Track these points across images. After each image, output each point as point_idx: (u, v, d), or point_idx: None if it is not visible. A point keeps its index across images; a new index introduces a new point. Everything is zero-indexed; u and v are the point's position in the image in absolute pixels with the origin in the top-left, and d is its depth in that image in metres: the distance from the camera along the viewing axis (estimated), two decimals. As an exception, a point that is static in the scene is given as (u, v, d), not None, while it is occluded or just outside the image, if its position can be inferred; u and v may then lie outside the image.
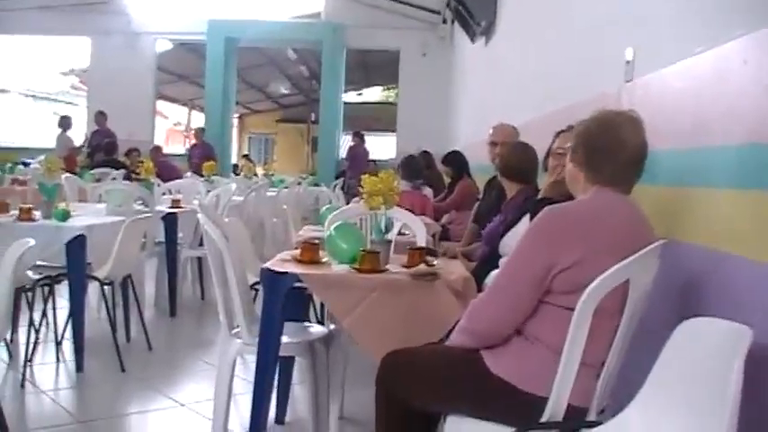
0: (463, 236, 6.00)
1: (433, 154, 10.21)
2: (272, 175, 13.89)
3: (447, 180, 8.43)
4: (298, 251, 3.18)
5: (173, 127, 30.87)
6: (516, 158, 4.26)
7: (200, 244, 6.39)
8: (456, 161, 7.79)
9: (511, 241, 3.51)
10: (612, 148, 2.26)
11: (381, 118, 27.48)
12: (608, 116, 2.35)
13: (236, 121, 25.67)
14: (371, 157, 15.67)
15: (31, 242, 2.86)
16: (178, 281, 6.22)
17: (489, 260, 3.78)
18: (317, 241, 3.21)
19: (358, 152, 15.37)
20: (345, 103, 18.65)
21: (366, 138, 16.26)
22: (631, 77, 3.37)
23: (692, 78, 2.66)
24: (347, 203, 8.90)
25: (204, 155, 13.05)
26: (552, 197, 3.17)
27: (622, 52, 3.46)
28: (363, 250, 3.04)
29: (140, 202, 6.20)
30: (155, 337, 5.16)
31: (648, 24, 3.26)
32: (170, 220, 6.04)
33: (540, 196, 3.42)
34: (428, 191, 7.45)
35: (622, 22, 3.66)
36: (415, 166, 7.19)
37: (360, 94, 31.20)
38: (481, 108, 9.78)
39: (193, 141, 16.49)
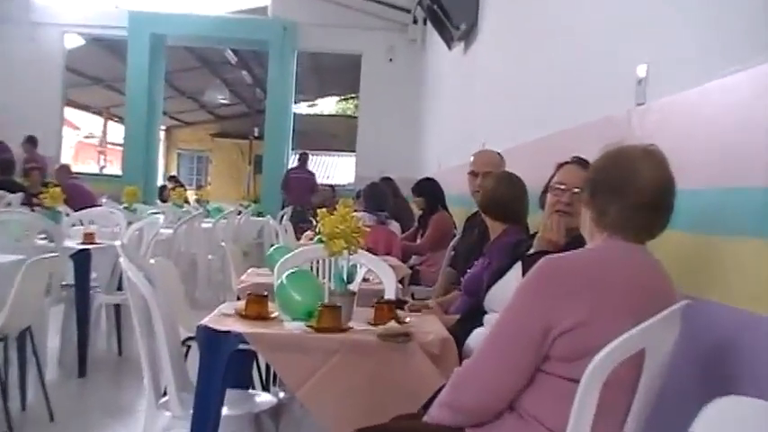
0: (436, 281, 6.08)
1: (396, 181, 10.28)
2: (207, 202, 13.84)
3: (416, 212, 8.48)
4: (241, 304, 3.16)
5: (84, 140, 30.61)
6: (501, 192, 4.32)
7: (119, 287, 6.30)
8: (430, 191, 7.84)
9: (500, 295, 3.51)
10: (619, 186, 2.31)
11: (339, 134, 27.63)
12: (621, 150, 2.38)
13: (162, 135, 25.57)
14: (328, 181, 15.71)
15: None
16: (90, 333, 6.11)
17: (471, 315, 3.79)
18: (265, 293, 3.20)
19: (297, 182, 15.29)
20: (296, 116, 18.69)
21: (320, 159, 16.33)
22: (644, 100, 3.42)
23: (721, 104, 2.68)
24: (298, 237, 8.91)
25: None
26: (548, 250, 3.21)
27: (633, 69, 3.50)
28: (322, 304, 3.03)
29: (44, 235, 6.09)
30: (58, 404, 4.99)
31: (666, 36, 3.30)
32: (81, 259, 5.95)
33: (532, 250, 3.44)
34: (395, 225, 7.48)
35: (634, 32, 3.71)
36: (380, 196, 7.28)
37: (313, 106, 31.33)
38: (460, 128, 9.87)
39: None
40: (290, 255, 4.36)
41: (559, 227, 3.33)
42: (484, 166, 5.19)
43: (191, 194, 16.80)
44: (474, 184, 5.14)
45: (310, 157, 16.73)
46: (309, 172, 15.86)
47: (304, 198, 14.84)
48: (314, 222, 11.79)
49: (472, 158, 5.46)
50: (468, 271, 4.53)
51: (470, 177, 5.30)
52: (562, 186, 3.37)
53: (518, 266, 3.50)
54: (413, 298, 4.97)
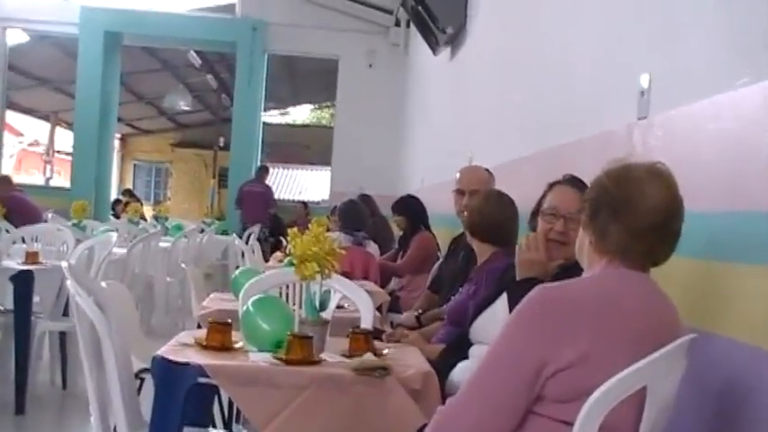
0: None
1: (375, 198, 10.34)
2: (166, 219, 13.76)
3: (397, 232, 8.52)
4: (202, 332, 3.15)
5: (28, 148, 30.47)
6: (489, 212, 4.33)
7: (65, 313, 6.25)
8: (411, 209, 7.89)
9: (487, 325, 3.51)
10: (622, 206, 2.32)
11: (312, 146, 27.63)
12: (626, 167, 2.39)
13: (117, 144, 25.49)
14: (299, 197, 15.72)
15: None
16: (30, 364, 6.03)
17: (456, 347, 3.79)
18: (228, 320, 3.19)
19: (251, 197, 15.25)
20: (265, 125, 18.69)
21: (292, 172, 16.36)
22: (646, 113, 3.44)
23: (731, 118, 2.69)
24: (266, 258, 8.89)
25: None
26: (536, 277, 3.20)
27: (635, 79, 3.51)
28: (292, 334, 3.02)
29: (-21, 254, 6.04)
30: (-8, 445, 4.98)
31: (672, 43, 3.32)
32: (22, 281, 5.88)
33: (518, 276, 3.41)
34: (373, 247, 7.51)
35: (636, 38, 3.72)
36: (357, 215, 7.33)
37: (285, 114, 31.36)
38: (445, 140, 9.93)
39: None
40: (256, 278, 4.33)
41: (548, 253, 3.31)
42: (471, 184, 5.23)
43: (148, 210, 16.83)
44: (460, 204, 5.17)
45: (278, 170, 16.71)
46: (265, 186, 15.90)
47: (259, 214, 14.88)
48: (281, 241, 11.74)
49: (458, 175, 5.49)
50: (453, 298, 4.55)
51: (456, 196, 5.34)
52: (554, 212, 3.36)
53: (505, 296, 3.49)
54: (392, 326, 4.98)
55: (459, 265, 5.25)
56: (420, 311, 5.46)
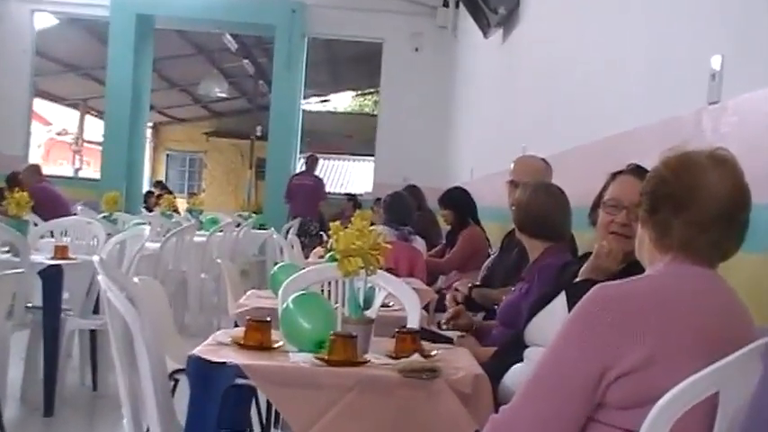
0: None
1: (422, 190, 10.33)
2: (201, 212, 13.79)
3: (445, 227, 8.54)
4: (240, 331, 3.17)
5: (56, 137, 30.81)
6: (538, 205, 4.35)
7: (96, 311, 6.31)
8: (459, 202, 7.88)
9: (543, 326, 3.52)
10: (684, 198, 2.29)
11: (355, 135, 27.66)
12: (685, 155, 2.36)
13: (149, 133, 25.66)
14: (342, 189, 15.74)
15: None
16: (60, 363, 6.09)
17: (509, 350, 3.81)
18: (267, 318, 3.20)
19: (301, 190, 15.29)
20: (305, 113, 18.70)
21: (333, 163, 16.37)
22: (718, 97, 3.41)
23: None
24: (306, 255, 8.97)
25: None
26: (597, 279, 3.19)
27: (707, 60, 3.48)
28: (334, 333, 3.03)
29: (7, 248, 6.09)
30: (21, 448, 5.02)
31: (747, 22, 3.27)
32: (51, 277, 5.93)
33: (580, 277, 3.45)
34: (419, 242, 7.52)
35: (708, 17, 3.68)
36: (403, 208, 7.38)
37: (325, 102, 31.41)
38: (496, 129, 9.92)
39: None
40: (297, 275, 4.32)
41: (616, 253, 3.31)
42: (524, 175, 5.22)
43: (181, 202, 16.82)
44: (513, 196, 5.09)
45: (321, 161, 16.71)
46: (316, 178, 15.87)
47: (309, 208, 14.96)
48: (322, 236, 11.76)
49: (512, 166, 5.48)
50: (505, 297, 4.56)
51: (509, 187, 5.32)
52: (616, 203, 3.36)
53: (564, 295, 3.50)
54: (438, 327, 4.98)
55: (512, 261, 5.27)
56: (475, 284, 5.40)
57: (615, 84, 5.11)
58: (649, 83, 4.39)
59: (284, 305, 3.25)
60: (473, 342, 4.27)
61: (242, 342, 3.12)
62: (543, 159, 5.49)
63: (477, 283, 5.44)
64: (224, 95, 27.79)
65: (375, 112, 19.10)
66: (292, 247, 9.06)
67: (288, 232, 12.30)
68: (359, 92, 31.62)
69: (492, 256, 6.43)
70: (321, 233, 13.21)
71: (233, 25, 18.69)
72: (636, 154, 3.56)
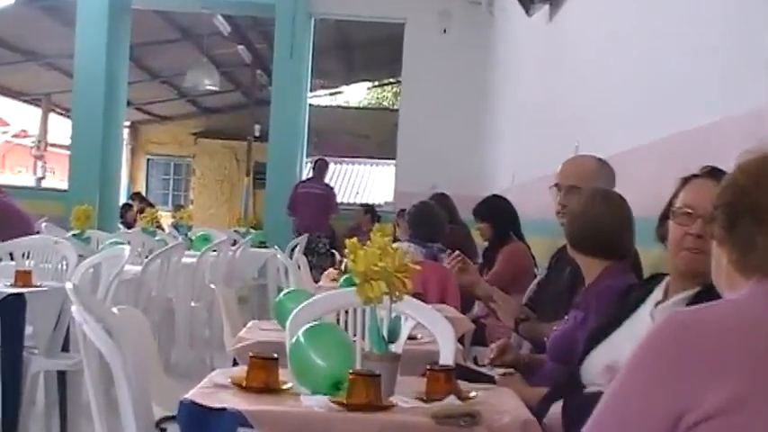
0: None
1: (453, 199, 10.29)
2: (189, 228, 13.83)
3: (482, 243, 8.52)
4: (241, 370, 3.19)
5: (14, 140, 30.92)
6: (594, 217, 4.32)
7: (65, 348, 6.33)
8: (498, 213, 7.87)
9: (603, 362, 3.53)
10: (765, 208, 2.25)
11: (372, 134, 27.67)
12: (763, 158, 2.34)
13: (126, 134, 25.73)
14: (359, 199, 15.72)
15: None
16: (21, 410, 6.10)
17: (562, 389, 3.80)
18: (274, 355, 3.21)
19: (308, 200, 15.28)
20: (312, 108, 18.70)
21: (345, 168, 16.37)
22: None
23: None
24: (316, 279, 9.05)
25: None
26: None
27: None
28: (354, 372, 3.04)
29: (-42, 274, 6.12)
30: None
31: None
32: (11, 308, 5.91)
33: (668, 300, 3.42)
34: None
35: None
36: (432, 221, 7.38)
37: (336, 95, 31.47)
38: (543, 125, 9.87)
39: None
40: (307, 302, 4.29)
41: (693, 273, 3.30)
42: (568, 178, 5.19)
43: (166, 217, 16.83)
44: (559, 204, 5.14)
45: (331, 166, 16.68)
46: (326, 186, 15.92)
47: (318, 222, 15.01)
48: (333, 255, 11.68)
49: (560, 168, 5.44)
50: (555, 328, 4.54)
51: (554, 193, 5.29)
52: (690, 211, 3.35)
53: (630, 324, 3.51)
54: (475, 363, 4.99)
55: (563, 284, 5.21)
56: (522, 317, 5.38)
57: (690, 67, 5.08)
58: (735, 64, 4.35)
59: (293, 339, 3.26)
60: (519, 381, 4.27)
61: (244, 384, 3.11)
62: (600, 159, 5.42)
63: (523, 317, 5.41)
64: (215, 88, 27.66)
65: (396, 107, 19.07)
66: (299, 268, 9.06)
67: (293, 251, 12.35)
68: (376, 83, 31.70)
69: (538, 278, 6.39)
70: (332, 251, 13.25)
71: (225, 5, 18.73)
72: (715, 154, 3.55)
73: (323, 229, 15.06)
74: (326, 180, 16.21)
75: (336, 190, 16.77)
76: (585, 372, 3.70)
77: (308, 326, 3.33)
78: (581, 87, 8.13)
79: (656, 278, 3.57)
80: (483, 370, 4.62)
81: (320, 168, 15.96)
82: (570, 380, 3.78)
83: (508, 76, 13.45)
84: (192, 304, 9.76)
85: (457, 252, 5.52)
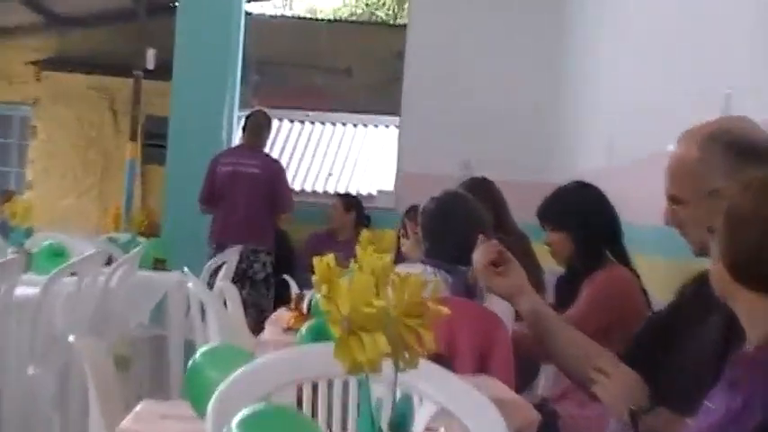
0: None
1: (501, 187, 9.09)
2: (29, 233, 12.51)
3: (553, 267, 7.69)
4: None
5: None
6: (759, 229, 3.64)
7: None
8: (584, 216, 6.84)
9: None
10: None
11: (356, 70, 25.21)
12: None
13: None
14: (334, 186, 14.87)
15: None
16: None
17: None
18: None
19: (239, 181, 13.16)
20: (251, 18, 17.51)
21: (306, 128, 15.36)
22: None
23: None
24: (257, 325, 8.48)
25: None
26: None
27: None
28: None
29: None
30: None
31: None
32: None
33: None
34: (497, 299, 6.65)
35: None
36: (463, 228, 6.40)
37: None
38: (664, 65, 8.76)
39: None
40: (243, 370, 3.78)
41: None
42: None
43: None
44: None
45: (280, 124, 15.28)
46: (269, 159, 13.71)
47: (256, 224, 12.85)
48: (287, 285, 10.80)
49: (679, 140, 4.71)
50: (700, 413, 3.82)
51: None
52: None
53: None
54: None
55: (705, 342, 4.37)
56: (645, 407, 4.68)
57: None
58: None
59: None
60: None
61: None
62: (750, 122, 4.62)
63: (646, 405, 4.54)
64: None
65: (400, 21, 17.64)
66: (225, 306, 7.89)
67: (214, 275, 11.02)
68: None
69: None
70: (282, 278, 11.29)
71: None
72: None
73: (264, 237, 12.88)
74: (268, 150, 14.25)
75: (289, 168, 15.07)
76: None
77: (245, 413, 2.90)
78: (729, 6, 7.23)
79: None
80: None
81: (257, 128, 13.59)
82: None
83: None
84: (30, 371, 8.40)
85: (494, 242, 4.93)
